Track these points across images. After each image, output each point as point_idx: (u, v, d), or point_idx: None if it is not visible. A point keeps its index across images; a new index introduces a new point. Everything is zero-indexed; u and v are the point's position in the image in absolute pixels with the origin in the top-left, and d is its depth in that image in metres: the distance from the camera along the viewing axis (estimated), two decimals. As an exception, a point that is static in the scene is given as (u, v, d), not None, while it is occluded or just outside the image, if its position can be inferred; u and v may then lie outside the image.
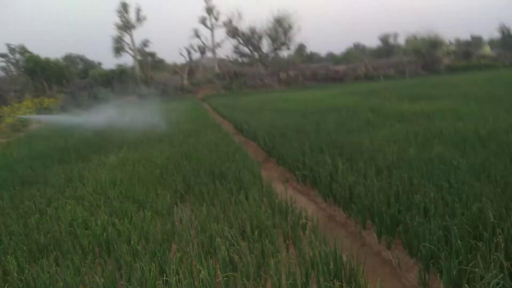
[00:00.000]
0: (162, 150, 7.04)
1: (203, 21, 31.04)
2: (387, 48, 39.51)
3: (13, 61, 24.41)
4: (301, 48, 42.09)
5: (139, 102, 23.33)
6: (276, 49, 29.17)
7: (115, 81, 25.88)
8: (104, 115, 14.36)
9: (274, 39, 28.46)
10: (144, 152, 6.95)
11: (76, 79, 26.04)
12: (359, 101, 12.29)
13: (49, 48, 56.88)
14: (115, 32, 29.49)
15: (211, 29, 31.49)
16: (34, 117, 15.80)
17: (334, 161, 4.51)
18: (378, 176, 3.91)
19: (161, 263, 2.60)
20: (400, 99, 11.50)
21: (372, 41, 66.46)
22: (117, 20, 29.28)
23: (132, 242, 2.88)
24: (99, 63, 32.97)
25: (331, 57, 45.49)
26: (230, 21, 30.64)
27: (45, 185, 4.90)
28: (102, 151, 7.75)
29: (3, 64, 26.07)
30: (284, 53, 30.61)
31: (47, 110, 18.08)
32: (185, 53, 32.11)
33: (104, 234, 3.05)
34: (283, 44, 28.84)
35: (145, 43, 31.54)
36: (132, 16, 29.58)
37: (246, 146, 7.80)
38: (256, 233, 2.94)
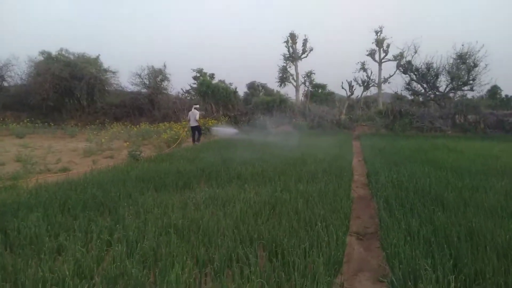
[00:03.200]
0: (257, 192, 6.19)
1: (371, 54, 29.30)
2: None
3: (195, 85, 28.51)
4: (493, 90, 35.05)
5: (291, 132, 23.43)
6: (455, 89, 24.81)
7: (274, 109, 26.87)
8: (244, 142, 14.71)
9: (454, 77, 24.26)
10: (241, 192, 6.21)
11: (241, 105, 28.25)
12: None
13: (237, 77, 65.85)
14: (281, 63, 30.99)
15: (379, 63, 29.44)
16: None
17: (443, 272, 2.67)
18: None
19: None
20: None
21: None
22: (284, 50, 30.73)
23: None
24: (278, 91, 34.94)
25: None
26: (402, 55, 28.01)
27: (111, 215, 4.65)
28: (212, 181, 7.45)
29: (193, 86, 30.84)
30: (469, 95, 25.88)
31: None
32: (346, 86, 31.00)
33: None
34: (465, 83, 24.27)
35: (309, 74, 32.00)
36: (299, 47, 30.53)
37: (363, 206, 6.16)
38: None
